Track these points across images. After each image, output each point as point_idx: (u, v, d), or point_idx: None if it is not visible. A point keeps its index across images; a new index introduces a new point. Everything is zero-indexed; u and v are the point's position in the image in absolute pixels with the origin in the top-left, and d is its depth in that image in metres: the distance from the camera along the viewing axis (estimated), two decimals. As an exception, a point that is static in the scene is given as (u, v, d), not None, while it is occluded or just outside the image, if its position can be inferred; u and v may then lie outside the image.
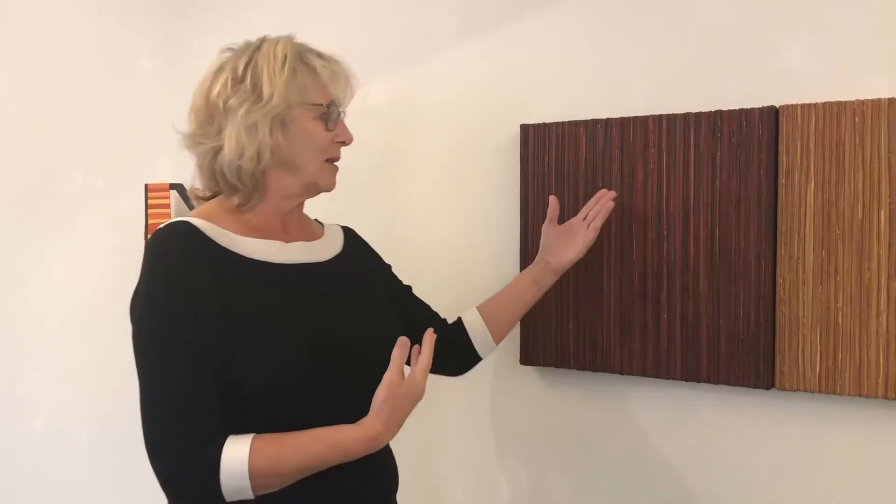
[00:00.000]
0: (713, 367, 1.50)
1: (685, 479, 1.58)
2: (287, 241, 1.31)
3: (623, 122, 1.57)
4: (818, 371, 1.42)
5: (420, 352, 1.25)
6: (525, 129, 1.68)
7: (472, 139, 1.79)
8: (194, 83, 2.28)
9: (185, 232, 1.21)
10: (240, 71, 1.27)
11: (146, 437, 1.15)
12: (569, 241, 1.55)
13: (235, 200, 1.29)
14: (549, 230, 1.58)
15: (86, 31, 2.45)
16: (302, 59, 1.30)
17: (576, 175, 1.62)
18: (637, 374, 1.58)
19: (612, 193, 1.56)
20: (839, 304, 1.40)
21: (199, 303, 1.17)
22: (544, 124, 1.65)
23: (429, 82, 1.84)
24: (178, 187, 2.15)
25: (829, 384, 1.41)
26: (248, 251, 1.25)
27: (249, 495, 1.13)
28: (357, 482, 1.25)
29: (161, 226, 1.23)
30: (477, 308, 1.56)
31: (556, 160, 1.64)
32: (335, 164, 1.35)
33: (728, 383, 1.49)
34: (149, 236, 1.23)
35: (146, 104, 2.32)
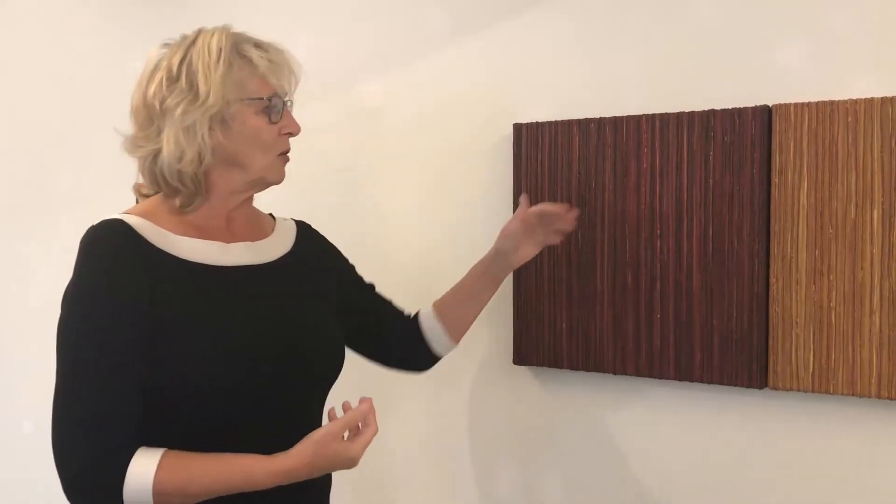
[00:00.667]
0: (706, 366, 1.50)
1: (678, 479, 1.58)
2: (229, 241, 1.28)
3: (616, 121, 1.57)
4: (811, 370, 1.42)
5: (366, 422, 1.19)
6: (518, 128, 1.67)
7: (465, 138, 1.78)
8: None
9: (119, 230, 1.18)
10: (174, 69, 1.23)
11: (54, 439, 1.13)
12: (531, 238, 1.52)
13: (177, 202, 1.25)
14: (514, 224, 1.52)
15: (75, 30, 2.44)
16: (238, 50, 1.25)
17: (569, 174, 1.62)
18: (630, 374, 1.57)
19: (576, 213, 1.54)
20: (832, 304, 1.40)
21: (125, 304, 1.14)
22: (537, 123, 1.65)
23: (421, 82, 1.84)
24: (169, 187, 2.14)
25: (823, 384, 1.41)
26: (183, 252, 1.22)
27: None
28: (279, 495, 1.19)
29: (95, 223, 1.20)
30: (434, 306, 1.54)
31: (549, 159, 1.64)
32: (286, 155, 1.31)
33: (721, 383, 1.49)
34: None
35: (136, 103, 2.30)
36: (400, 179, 1.88)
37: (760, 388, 1.46)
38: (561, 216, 1.52)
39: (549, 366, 1.66)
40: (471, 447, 1.81)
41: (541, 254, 1.63)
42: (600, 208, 1.59)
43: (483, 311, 1.59)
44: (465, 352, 1.79)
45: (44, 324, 2.53)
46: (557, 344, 1.64)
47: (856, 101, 1.37)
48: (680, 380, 1.53)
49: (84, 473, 1.11)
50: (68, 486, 1.13)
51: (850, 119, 1.38)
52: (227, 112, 1.22)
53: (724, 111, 1.47)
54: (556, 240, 1.55)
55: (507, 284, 1.71)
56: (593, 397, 1.66)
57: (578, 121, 1.61)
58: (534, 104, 1.69)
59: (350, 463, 1.18)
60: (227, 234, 1.29)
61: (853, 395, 1.39)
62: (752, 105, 1.45)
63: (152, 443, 1.15)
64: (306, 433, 1.19)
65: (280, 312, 1.26)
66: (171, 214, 1.25)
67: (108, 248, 1.17)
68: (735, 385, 1.47)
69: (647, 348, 1.55)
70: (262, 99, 1.25)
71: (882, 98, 1.35)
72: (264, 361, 1.21)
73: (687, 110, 1.51)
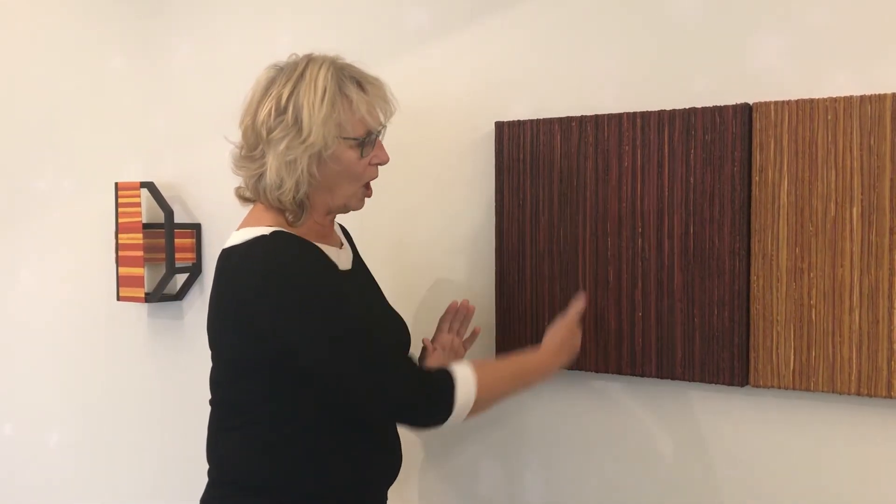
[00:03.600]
0: (688, 364, 1.50)
1: (660, 476, 1.58)
2: (339, 247, 1.46)
3: (597, 119, 1.56)
4: (792, 368, 1.42)
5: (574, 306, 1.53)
6: (500, 126, 1.67)
7: (447, 136, 1.77)
8: (164, 82, 2.27)
9: (292, 237, 1.33)
10: (283, 101, 1.32)
11: (373, 386, 1.29)
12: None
13: (289, 217, 1.37)
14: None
15: (56, 29, 2.41)
16: (341, 89, 1.34)
17: (550, 172, 1.61)
18: (612, 373, 1.57)
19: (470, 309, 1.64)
20: (812, 301, 1.40)
21: (340, 281, 1.36)
22: (519, 122, 1.65)
23: (402, 81, 1.82)
24: (149, 186, 2.12)
25: (803, 381, 1.41)
26: (328, 255, 1.37)
27: (464, 416, 1.32)
28: (380, 468, 1.44)
29: (253, 237, 1.31)
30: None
31: (531, 158, 1.63)
32: (370, 187, 1.44)
33: (703, 381, 1.49)
34: (223, 252, 1.38)
35: (117, 103, 2.29)
36: (382, 178, 1.86)
37: (742, 385, 1.46)
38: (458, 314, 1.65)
39: (532, 364, 1.66)
40: (451, 446, 1.81)
41: (523, 251, 1.63)
42: (582, 206, 1.58)
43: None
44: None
45: (25, 324, 2.51)
46: (539, 342, 1.63)
47: (835, 99, 1.37)
48: (661, 378, 1.53)
49: (418, 381, 1.31)
50: (402, 403, 1.31)
51: (829, 117, 1.38)
52: (325, 150, 1.32)
53: (704, 109, 1.47)
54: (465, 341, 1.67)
55: (490, 283, 1.71)
56: (575, 396, 1.66)
57: (560, 119, 1.60)
58: (515, 102, 1.69)
59: (578, 344, 1.54)
60: (334, 242, 1.45)
61: (833, 392, 1.39)
62: (733, 103, 1.45)
63: (305, 419, 1.34)
64: None
65: (387, 306, 1.52)
66: (291, 224, 1.37)
67: (294, 248, 1.31)
68: (716, 383, 1.48)
69: (629, 346, 1.55)
70: (356, 138, 1.35)
71: (861, 96, 1.35)
72: (400, 350, 1.44)
73: (668, 108, 1.51)
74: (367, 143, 1.37)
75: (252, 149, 1.35)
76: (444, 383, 1.31)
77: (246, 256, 1.31)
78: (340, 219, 1.53)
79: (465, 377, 1.32)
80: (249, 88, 1.38)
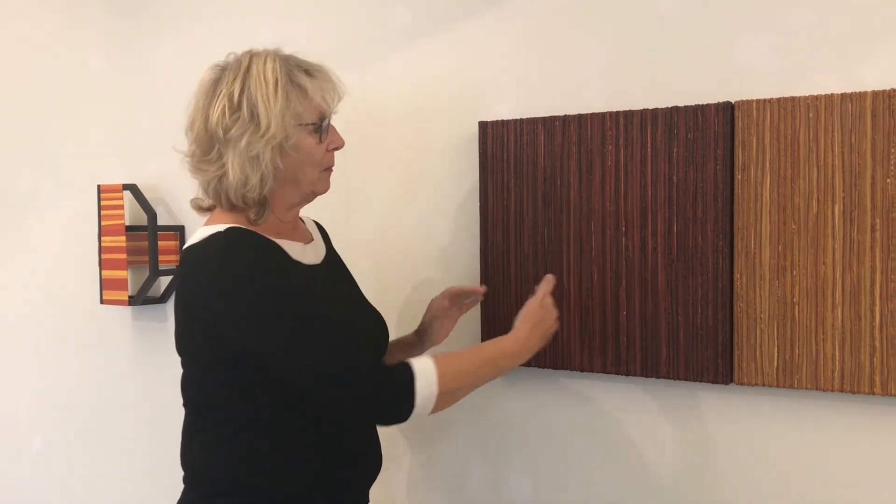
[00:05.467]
0: (672, 363, 1.50)
1: (645, 474, 1.58)
2: (306, 242, 1.44)
3: (581, 118, 1.56)
4: (776, 365, 1.43)
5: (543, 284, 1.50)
6: (483, 126, 1.67)
7: (430, 136, 1.77)
8: (146, 82, 2.25)
9: (246, 232, 1.31)
10: (235, 98, 1.32)
11: (326, 379, 1.26)
12: (449, 317, 1.62)
13: (251, 215, 1.35)
14: (442, 302, 1.61)
15: (35, 29, 2.39)
16: (292, 79, 1.34)
17: (534, 172, 1.61)
18: (597, 372, 1.58)
19: (485, 289, 1.63)
20: (795, 299, 1.41)
21: (291, 276, 1.33)
22: (502, 121, 1.65)
23: (386, 81, 1.83)
24: (132, 188, 2.11)
25: (787, 378, 1.42)
26: (287, 250, 1.36)
27: (430, 408, 1.29)
28: (354, 467, 1.41)
29: (209, 235, 1.30)
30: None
31: (515, 157, 1.63)
32: (331, 169, 1.43)
33: (687, 379, 1.49)
34: (183, 248, 1.37)
35: (98, 103, 2.27)
36: (366, 178, 1.86)
37: (726, 383, 1.46)
38: (474, 293, 1.62)
39: (517, 364, 1.66)
40: (439, 446, 1.80)
41: (507, 251, 1.63)
42: (566, 206, 1.58)
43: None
44: (432, 349, 1.78)
45: (6, 327, 2.49)
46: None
47: (817, 97, 1.38)
48: (646, 376, 1.53)
49: (382, 378, 1.28)
50: (361, 399, 1.29)
51: (811, 115, 1.38)
52: (286, 140, 1.33)
53: (686, 108, 1.47)
54: (466, 310, 1.65)
55: (474, 282, 1.70)
56: (561, 395, 1.66)
57: (543, 118, 1.60)
58: (499, 102, 1.69)
59: (554, 321, 1.49)
60: (298, 237, 1.43)
61: (817, 389, 1.40)
62: (715, 101, 1.45)
63: (272, 418, 1.32)
64: None
65: (361, 301, 1.49)
66: (253, 223, 1.36)
67: (248, 245, 1.30)
68: (701, 381, 1.48)
69: (614, 345, 1.55)
70: (314, 123, 1.36)
71: (842, 94, 1.36)
72: (370, 345, 1.42)
73: (650, 107, 1.51)
74: (324, 128, 1.37)
75: (207, 152, 1.34)
76: (403, 377, 1.28)
77: (201, 255, 1.30)
78: (320, 216, 1.52)
79: (424, 370, 1.29)
80: (193, 93, 1.37)
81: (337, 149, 1.42)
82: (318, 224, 1.58)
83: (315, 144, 1.37)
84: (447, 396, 1.32)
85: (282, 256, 1.34)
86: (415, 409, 1.28)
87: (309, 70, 1.37)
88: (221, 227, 1.31)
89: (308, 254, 1.43)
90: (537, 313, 1.46)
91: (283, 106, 1.31)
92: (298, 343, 1.26)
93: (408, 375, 1.28)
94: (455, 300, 1.61)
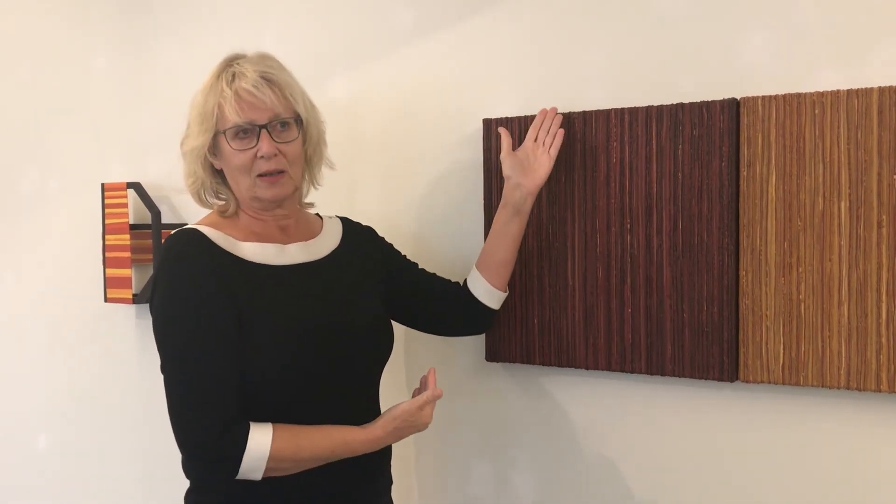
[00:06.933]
0: (677, 360, 1.50)
1: (651, 472, 1.58)
2: (286, 242, 1.42)
3: (585, 115, 1.56)
4: (781, 363, 1.42)
5: (429, 386, 1.41)
6: (488, 123, 1.66)
7: (435, 134, 1.77)
8: (150, 81, 2.26)
9: (194, 238, 1.34)
10: (188, 111, 1.41)
11: (176, 421, 1.29)
12: (535, 162, 1.55)
13: (226, 210, 1.42)
14: (509, 159, 1.56)
15: (40, 29, 2.40)
16: (213, 86, 1.36)
17: (539, 169, 1.61)
18: (602, 369, 1.57)
19: (558, 117, 1.57)
20: (801, 296, 1.40)
21: (213, 300, 1.30)
22: (507, 118, 1.64)
23: (390, 79, 1.82)
24: (136, 186, 2.11)
25: (793, 376, 1.41)
26: (248, 255, 1.37)
27: (258, 477, 1.28)
28: (352, 481, 1.40)
29: (173, 232, 1.36)
30: (475, 266, 1.60)
31: (519, 155, 1.63)
32: (270, 176, 1.38)
33: (692, 376, 1.49)
34: (163, 241, 1.43)
35: (102, 103, 2.27)
36: (371, 177, 1.86)
37: (731, 381, 1.46)
38: (554, 131, 1.55)
39: (522, 362, 1.65)
40: (443, 443, 1.80)
41: (511, 249, 1.62)
42: (570, 203, 1.58)
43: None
44: (437, 349, 1.78)
45: (11, 325, 2.49)
46: (529, 340, 1.64)
47: (822, 94, 1.37)
48: (651, 374, 1.52)
49: (208, 444, 1.26)
50: (190, 457, 1.32)
51: (816, 111, 1.38)
52: (212, 145, 1.38)
53: (692, 105, 1.46)
54: (557, 145, 1.55)
55: (479, 281, 1.70)
56: (566, 393, 1.66)
57: (548, 115, 1.60)
58: (503, 99, 1.69)
59: (424, 426, 1.40)
60: (283, 238, 1.43)
61: (823, 386, 1.39)
62: (720, 98, 1.45)
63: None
64: (368, 404, 1.44)
65: (333, 300, 1.42)
66: (231, 222, 1.41)
67: (188, 254, 1.32)
68: (706, 378, 1.47)
69: (619, 343, 1.55)
70: (233, 128, 1.35)
71: (848, 90, 1.35)
72: (323, 343, 1.36)
73: (655, 104, 1.51)
74: (247, 136, 1.35)
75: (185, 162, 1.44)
76: (235, 443, 1.26)
77: (160, 255, 1.39)
78: (342, 210, 1.52)
79: (259, 443, 1.27)
80: None
81: (263, 156, 1.35)
82: (346, 220, 1.57)
83: (232, 151, 1.36)
84: (275, 471, 1.30)
85: (211, 265, 1.32)
86: (238, 475, 1.28)
87: (237, 75, 1.35)
88: (187, 225, 1.38)
89: (289, 254, 1.41)
90: (408, 420, 1.38)
91: (200, 112, 1.36)
92: (174, 368, 1.30)
93: (242, 443, 1.26)
94: (529, 147, 1.57)
